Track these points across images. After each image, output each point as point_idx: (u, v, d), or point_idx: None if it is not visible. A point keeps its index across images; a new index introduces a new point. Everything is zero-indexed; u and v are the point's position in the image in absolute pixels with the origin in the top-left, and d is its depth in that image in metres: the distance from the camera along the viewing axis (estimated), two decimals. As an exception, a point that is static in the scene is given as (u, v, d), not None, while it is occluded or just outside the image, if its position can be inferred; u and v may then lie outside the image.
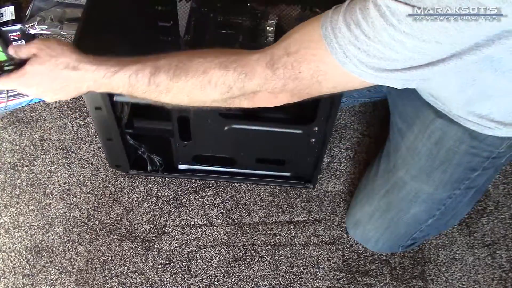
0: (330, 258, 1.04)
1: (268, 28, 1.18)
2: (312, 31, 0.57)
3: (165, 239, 1.05)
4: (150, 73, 0.64)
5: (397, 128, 0.91)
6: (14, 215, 1.06)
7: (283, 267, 1.03)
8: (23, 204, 1.08)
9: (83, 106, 1.19)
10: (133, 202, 1.08)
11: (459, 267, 1.04)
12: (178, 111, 0.90)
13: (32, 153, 1.13)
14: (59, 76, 0.67)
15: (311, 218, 1.07)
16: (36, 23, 1.17)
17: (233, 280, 1.02)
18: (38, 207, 1.07)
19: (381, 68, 0.53)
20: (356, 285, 1.02)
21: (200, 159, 1.05)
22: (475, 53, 0.50)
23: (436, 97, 0.76)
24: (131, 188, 1.10)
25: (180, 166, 1.08)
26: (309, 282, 1.02)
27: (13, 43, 1.18)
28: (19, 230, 1.05)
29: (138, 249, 1.04)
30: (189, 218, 1.07)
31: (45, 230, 1.05)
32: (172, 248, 1.04)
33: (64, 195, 1.09)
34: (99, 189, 1.09)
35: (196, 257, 1.03)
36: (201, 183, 1.10)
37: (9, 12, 1.17)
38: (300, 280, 1.02)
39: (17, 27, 1.16)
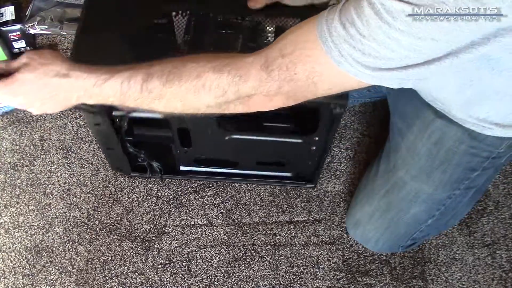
0: (330, 258, 1.04)
1: (268, 28, 1.18)
2: (307, 31, 0.56)
3: (165, 239, 1.05)
4: (143, 79, 0.63)
5: (397, 128, 0.91)
6: (14, 215, 1.06)
7: (283, 267, 1.03)
8: (23, 204, 1.08)
9: (83, 106, 1.19)
10: (133, 202, 1.08)
11: (459, 267, 1.04)
12: (178, 122, 0.90)
13: (32, 153, 1.13)
14: (48, 84, 0.65)
15: (311, 218, 1.07)
16: (36, 23, 1.17)
17: (233, 280, 1.02)
18: (38, 207, 1.07)
19: (376, 68, 0.52)
20: (356, 285, 1.02)
21: (201, 161, 1.05)
22: (471, 52, 0.49)
23: (435, 98, 0.76)
24: (131, 188, 1.10)
25: (181, 167, 1.08)
26: (309, 282, 1.02)
27: (13, 43, 1.19)
28: (19, 230, 1.05)
29: (138, 249, 1.04)
30: (189, 218, 1.07)
31: (45, 230, 1.05)
32: (172, 248, 1.04)
33: (64, 195, 1.09)
34: (99, 189, 1.09)
35: (196, 257, 1.03)
36: (201, 183, 1.10)
37: (9, 12, 1.18)
38: (300, 280, 1.02)
39: (17, 27, 1.16)
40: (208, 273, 1.02)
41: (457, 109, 0.74)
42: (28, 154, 1.13)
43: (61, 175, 1.11)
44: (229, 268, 1.02)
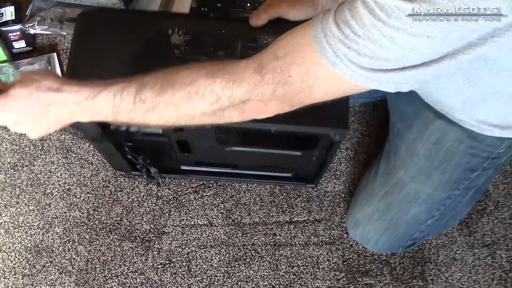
0: (330, 258, 1.04)
1: (268, 28, 1.18)
2: (302, 34, 0.55)
3: (165, 239, 1.05)
4: (136, 90, 0.62)
5: (397, 128, 0.91)
6: (14, 215, 1.06)
7: (283, 267, 1.03)
8: (23, 204, 1.08)
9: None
10: (133, 202, 1.08)
11: (459, 267, 1.04)
12: (176, 136, 0.89)
13: (32, 153, 1.13)
14: (40, 99, 0.63)
15: (311, 218, 1.07)
16: (36, 23, 1.17)
17: (233, 280, 1.02)
18: (38, 207, 1.07)
19: (373, 69, 0.51)
20: (356, 285, 1.02)
21: (201, 163, 1.05)
22: (469, 53, 0.49)
23: (434, 99, 0.76)
24: (131, 188, 1.10)
25: (182, 167, 1.08)
26: (309, 282, 1.02)
27: (13, 43, 1.19)
28: (19, 230, 1.05)
29: (138, 249, 1.04)
30: (189, 218, 1.07)
31: (45, 230, 1.05)
32: (172, 248, 1.04)
33: (64, 195, 1.09)
34: (99, 189, 1.09)
35: (196, 257, 1.03)
36: (201, 183, 1.10)
37: (9, 12, 1.17)
38: (300, 280, 1.02)
39: (17, 27, 1.16)
40: (208, 273, 1.02)
41: (456, 110, 0.74)
42: (28, 154, 1.13)
43: (61, 175, 1.11)
44: (229, 268, 1.02)
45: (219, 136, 0.89)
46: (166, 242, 1.04)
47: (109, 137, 0.88)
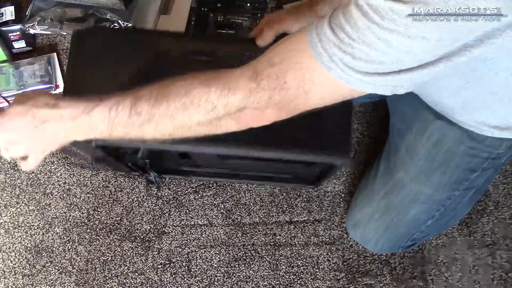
0: (330, 258, 1.04)
1: (268, 28, 1.18)
2: (297, 41, 0.55)
3: (165, 239, 1.05)
4: (131, 103, 0.61)
5: (397, 129, 0.91)
6: (14, 215, 1.06)
7: (283, 267, 1.03)
8: (23, 204, 1.08)
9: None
10: (133, 202, 1.08)
11: (459, 267, 1.04)
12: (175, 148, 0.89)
13: (32, 153, 1.13)
14: (36, 115, 0.63)
15: (311, 218, 1.07)
16: (36, 23, 1.17)
17: (233, 280, 1.02)
18: (38, 207, 1.07)
19: (368, 72, 0.51)
20: (356, 285, 1.02)
21: (202, 165, 1.05)
22: (465, 54, 0.49)
23: (434, 101, 0.76)
24: (131, 188, 1.10)
25: (182, 167, 1.08)
26: (309, 282, 1.02)
27: (13, 43, 1.18)
28: (19, 230, 1.05)
29: (138, 249, 1.04)
30: (189, 218, 1.07)
31: (45, 230, 1.05)
32: (172, 248, 1.04)
33: (64, 195, 1.09)
34: (99, 189, 1.09)
35: (196, 257, 1.03)
36: (201, 183, 1.10)
37: (9, 12, 1.17)
38: (300, 280, 1.02)
39: (17, 27, 1.16)
40: (208, 273, 1.02)
41: (456, 111, 0.74)
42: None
43: (61, 175, 1.11)
44: (229, 268, 1.02)
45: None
46: (166, 242, 1.04)
47: (110, 158, 0.87)
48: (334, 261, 1.04)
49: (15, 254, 1.03)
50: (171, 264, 1.02)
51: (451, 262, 1.04)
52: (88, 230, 1.05)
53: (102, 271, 1.02)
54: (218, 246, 1.04)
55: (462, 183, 0.84)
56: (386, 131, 0.98)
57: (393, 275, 1.03)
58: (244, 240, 1.05)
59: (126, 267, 1.02)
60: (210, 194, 1.09)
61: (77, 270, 1.02)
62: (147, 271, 1.02)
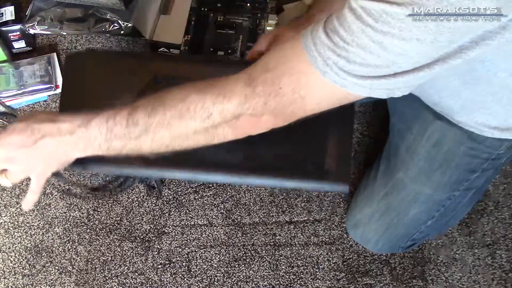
0: (330, 258, 1.04)
1: (268, 28, 1.18)
2: (292, 46, 0.55)
3: (165, 239, 1.05)
4: (128, 113, 0.61)
5: (397, 129, 0.91)
6: (14, 215, 1.06)
7: (283, 267, 1.03)
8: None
9: (83, 106, 1.19)
10: (133, 202, 1.08)
11: (459, 267, 1.04)
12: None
13: (32, 153, 1.13)
14: (35, 130, 0.63)
15: (311, 218, 1.07)
16: (36, 23, 1.17)
17: (233, 280, 1.02)
18: (38, 207, 1.07)
19: (363, 76, 0.51)
20: (356, 285, 1.02)
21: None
22: (461, 57, 0.49)
23: (433, 101, 0.76)
24: (131, 188, 1.10)
25: None
26: (309, 282, 1.02)
27: (13, 43, 1.19)
28: (19, 230, 1.05)
29: (138, 249, 1.04)
30: (189, 218, 1.07)
31: (45, 230, 1.05)
32: (172, 248, 1.04)
33: (64, 195, 1.09)
34: (99, 189, 1.09)
35: (196, 257, 1.03)
36: (201, 183, 1.10)
37: (9, 12, 1.17)
38: (300, 280, 1.02)
39: (17, 27, 1.16)
40: (208, 273, 1.02)
41: (455, 112, 0.74)
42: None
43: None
44: (229, 268, 1.02)
45: None
46: (166, 242, 1.04)
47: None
48: (334, 261, 1.04)
49: (15, 254, 1.03)
50: (171, 264, 1.02)
51: (451, 262, 1.04)
52: (88, 230, 1.05)
53: (102, 271, 1.02)
54: (218, 246, 1.04)
55: (462, 183, 0.84)
56: (386, 131, 0.98)
57: (393, 275, 1.03)
58: (244, 240, 1.05)
59: (126, 267, 1.02)
60: (210, 194, 1.09)
61: (77, 270, 1.02)
62: (147, 271, 1.02)
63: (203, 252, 1.04)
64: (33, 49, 1.21)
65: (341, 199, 1.10)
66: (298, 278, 1.02)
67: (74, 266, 1.02)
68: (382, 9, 0.45)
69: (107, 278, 1.01)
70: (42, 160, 0.65)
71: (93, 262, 1.02)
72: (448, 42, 0.47)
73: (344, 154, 0.75)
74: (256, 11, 1.19)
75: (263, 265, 1.03)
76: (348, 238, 1.05)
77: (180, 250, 1.04)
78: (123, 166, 0.74)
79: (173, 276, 1.01)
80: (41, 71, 1.15)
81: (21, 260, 1.02)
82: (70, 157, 0.66)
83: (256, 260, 1.03)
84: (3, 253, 1.03)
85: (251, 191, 1.10)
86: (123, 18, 1.14)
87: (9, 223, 1.06)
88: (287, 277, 1.02)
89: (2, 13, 1.17)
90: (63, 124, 0.63)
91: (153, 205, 1.08)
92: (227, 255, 1.03)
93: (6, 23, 1.16)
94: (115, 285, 1.00)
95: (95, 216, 1.07)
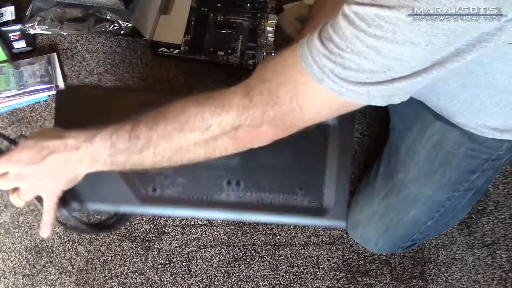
0: (330, 258, 1.04)
1: (268, 28, 1.18)
2: (288, 55, 0.55)
3: (165, 239, 1.05)
4: (131, 128, 0.62)
5: (397, 130, 0.91)
6: (14, 215, 1.06)
7: (283, 267, 1.03)
8: (23, 204, 1.08)
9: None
10: (133, 202, 1.08)
11: (459, 267, 1.04)
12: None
13: (32, 153, 1.13)
14: (44, 147, 0.64)
15: (311, 218, 1.08)
16: (36, 23, 1.17)
17: (233, 280, 1.02)
18: (38, 207, 1.07)
19: (360, 82, 0.50)
20: (356, 285, 1.02)
21: None
22: (458, 60, 0.48)
23: (432, 103, 0.76)
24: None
25: None
26: (309, 282, 1.02)
27: (13, 43, 1.19)
28: (19, 230, 1.05)
29: (138, 249, 1.04)
30: (189, 218, 1.07)
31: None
32: (172, 248, 1.04)
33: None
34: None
35: (196, 257, 1.03)
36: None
37: (9, 12, 1.17)
38: (300, 280, 1.02)
39: (17, 27, 1.16)
40: (208, 273, 1.02)
41: (455, 114, 0.74)
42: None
43: (61, 175, 1.11)
44: (229, 268, 1.02)
45: None
46: (166, 242, 1.04)
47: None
48: (334, 261, 1.04)
49: (15, 254, 1.03)
50: (171, 264, 1.02)
51: (451, 262, 1.04)
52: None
53: (102, 271, 1.02)
54: (218, 246, 1.04)
55: (462, 184, 0.84)
56: (386, 131, 0.98)
57: (393, 275, 1.03)
58: (244, 240, 1.05)
59: (126, 267, 1.02)
60: (210, 194, 1.09)
61: (77, 270, 1.02)
62: (147, 271, 1.02)
63: (203, 252, 1.04)
64: (33, 49, 1.21)
65: (341, 199, 1.10)
66: (298, 278, 1.02)
67: (74, 266, 1.02)
68: (375, 14, 0.45)
69: (107, 278, 1.01)
70: (51, 177, 0.66)
71: (93, 262, 1.02)
72: (443, 45, 0.47)
73: (342, 192, 0.76)
74: (256, 11, 1.19)
75: (263, 265, 1.03)
76: (348, 238, 1.05)
77: (180, 250, 1.04)
78: (120, 205, 0.75)
79: (173, 276, 1.01)
80: (41, 71, 1.15)
81: (21, 260, 1.02)
82: (77, 173, 0.67)
83: (256, 260, 1.03)
84: (3, 253, 1.03)
85: (251, 191, 1.10)
86: (123, 18, 1.14)
87: (9, 223, 1.06)
88: (287, 277, 1.02)
89: (2, 13, 1.17)
90: (69, 140, 0.64)
91: (153, 205, 1.08)
92: (227, 255, 1.04)
93: (6, 23, 1.16)
94: (115, 285, 1.00)
95: (95, 216, 1.07)
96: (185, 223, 1.06)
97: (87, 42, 1.23)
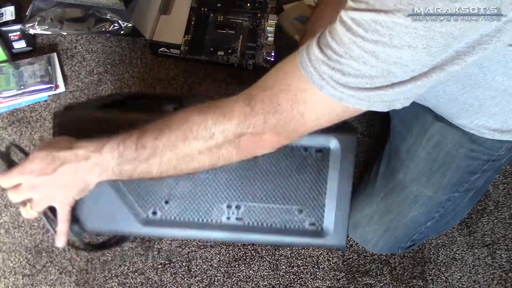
0: (330, 258, 1.04)
1: (268, 28, 1.18)
2: (288, 63, 0.56)
3: (165, 239, 1.05)
4: (137, 137, 0.63)
5: (397, 131, 0.91)
6: (14, 215, 1.06)
7: (283, 267, 1.03)
8: (23, 204, 1.08)
9: (83, 106, 1.19)
10: (133, 202, 1.08)
11: (459, 267, 1.04)
12: None
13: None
14: (55, 158, 0.65)
15: (311, 218, 1.08)
16: (36, 23, 1.17)
17: (233, 280, 1.02)
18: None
19: (360, 88, 0.51)
20: (356, 285, 1.02)
21: None
22: (458, 63, 0.48)
23: (432, 105, 0.76)
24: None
25: None
26: (309, 282, 1.02)
27: (13, 43, 1.19)
28: (19, 230, 1.05)
29: (138, 249, 1.04)
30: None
31: (45, 230, 1.05)
32: (172, 248, 1.04)
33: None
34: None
35: (196, 257, 1.03)
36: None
37: (9, 12, 1.17)
38: (300, 280, 1.02)
39: (17, 27, 1.16)
40: (208, 273, 1.02)
41: (455, 116, 0.74)
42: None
43: (61, 175, 1.11)
44: (229, 268, 1.02)
45: None
46: (166, 242, 1.04)
47: None
48: (334, 261, 1.04)
49: (15, 254, 1.03)
50: (171, 264, 1.02)
51: (451, 262, 1.04)
52: (88, 230, 1.05)
53: (102, 271, 1.02)
54: (218, 246, 1.04)
55: (462, 185, 0.84)
56: (386, 131, 0.98)
57: (393, 275, 1.03)
58: (244, 240, 1.05)
59: (126, 267, 1.02)
60: (210, 194, 1.09)
61: (77, 270, 1.02)
62: (147, 271, 1.02)
63: (203, 252, 1.04)
64: (33, 49, 1.21)
65: (341, 199, 1.10)
66: (298, 278, 1.02)
67: (74, 266, 1.02)
68: (371, 19, 0.46)
69: (107, 278, 1.01)
70: (63, 187, 0.67)
71: (93, 262, 1.02)
72: (442, 48, 0.47)
73: (342, 215, 0.76)
74: (256, 11, 1.19)
75: (263, 265, 1.03)
76: (348, 238, 1.05)
77: (180, 250, 1.04)
78: (122, 227, 0.76)
79: (173, 276, 1.01)
80: (41, 71, 1.15)
81: (22, 260, 1.02)
82: (88, 183, 0.67)
83: (256, 260, 1.03)
84: (3, 253, 1.03)
85: (251, 191, 1.10)
86: (123, 18, 1.14)
87: (9, 223, 1.06)
88: (287, 277, 1.02)
89: (2, 13, 1.17)
90: (80, 150, 0.65)
91: (153, 205, 1.08)
92: (227, 255, 1.04)
93: (6, 23, 1.16)
94: (115, 285, 1.00)
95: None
96: (185, 223, 1.06)
97: (87, 42, 1.23)
